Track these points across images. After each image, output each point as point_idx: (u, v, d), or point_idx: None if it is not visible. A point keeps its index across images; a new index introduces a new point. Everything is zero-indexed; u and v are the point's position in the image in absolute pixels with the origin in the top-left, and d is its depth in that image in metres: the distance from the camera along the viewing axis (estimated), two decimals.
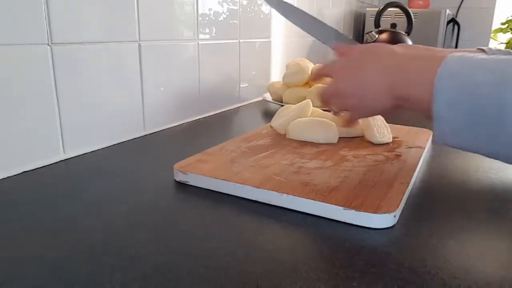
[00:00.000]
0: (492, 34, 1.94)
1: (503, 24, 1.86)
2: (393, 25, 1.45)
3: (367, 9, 1.70)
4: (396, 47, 0.45)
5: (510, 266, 0.32)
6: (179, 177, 0.48)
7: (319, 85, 0.85)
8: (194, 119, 0.81)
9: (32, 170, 0.51)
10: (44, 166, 0.52)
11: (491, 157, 0.37)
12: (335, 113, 0.59)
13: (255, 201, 0.43)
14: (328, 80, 0.64)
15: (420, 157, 0.54)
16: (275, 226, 0.38)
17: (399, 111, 0.44)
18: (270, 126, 0.67)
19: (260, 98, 1.04)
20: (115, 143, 0.63)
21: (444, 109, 0.36)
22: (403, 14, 1.41)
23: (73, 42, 0.54)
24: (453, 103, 0.35)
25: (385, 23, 1.45)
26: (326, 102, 0.51)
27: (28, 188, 0.46)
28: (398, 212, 0.39)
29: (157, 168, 0.53)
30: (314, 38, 0.57)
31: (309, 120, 0.62)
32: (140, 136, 0.68)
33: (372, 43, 0.50)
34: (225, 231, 0.37)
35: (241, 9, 0.91)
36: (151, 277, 0.30)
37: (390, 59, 0.44)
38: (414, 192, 0.46)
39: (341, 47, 0.53)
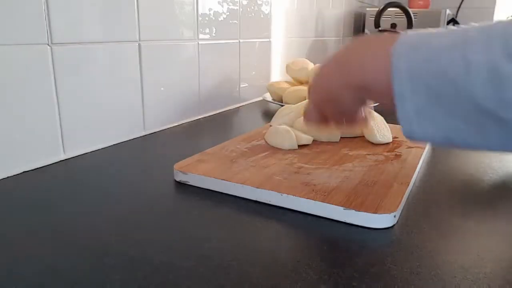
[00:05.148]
0: None
1: None
2: (393, 25, 1.45)
3: (367, 9, 1.70)
4: (349, 43, 0.41)
5: (510, 266, 0.32)
6: (179, 177, 0.48)
7: None
8: (194, 119, 0.81)
9: (32, 170, 0.51)
10: (44, 166, 0.52)
11: (471, 147, 0.31)
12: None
13: (255, 201, 0.43)
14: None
15: (420, 157, 0.54)
16: (275, 226, 0.38)
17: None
18: (270, 126, 0.67)
19: (260, 98, 1.04)
20: (115, 143, 0.63)
21: (403, 84, 0.31)
22: (403, 14, 1.41)
23: (73, 42, 0.54)
24: (413, 74, 0.31)
25: (385, 23, 1.44)
26: (317, 122, 0.46)
27: (28, 188, 0.46)
28: (398, 212, 0.39)
29: (157, 168, 0.53)
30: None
31: None
32: (140, 136, 0.68)
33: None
34: (225, 231, 0.37)
35: (241, 9, 0.91)
36: (151, 277, 0.30)
37: (342, 53, 0.40)
38: (414, 192, 0.46)
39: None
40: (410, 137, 0.33)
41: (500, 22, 0.29)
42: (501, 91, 0.27)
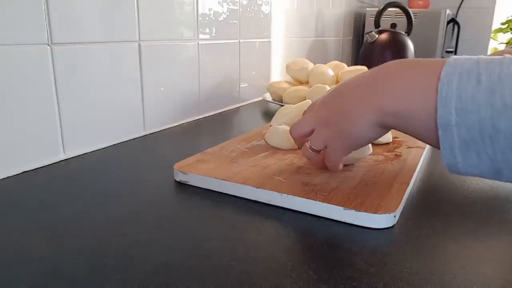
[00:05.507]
0: (492, 34, 1.95)
1: (503, 24, 1.86)
2: (393, 25, 1.45)
3: (367, 9, 1.70)
4: (381, 66, 0.37)
5: (511, 266, 0.32)
6: (179, 177, 0.48)
7: (319, 85, 0.85)
8: (194, 119, 0.81)
9: (32, 170, 0.51)
10: (44, 166, 0.52)
11: None
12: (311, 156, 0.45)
13: (255, 201, 0.43)
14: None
15: (420, 157, 0.54)
16: (275, 226, 0.38)
17: None
18: (270, 126, 0.66)
19: (260, 98, 1.04)
20: (115, 143, 0.63)
21: (451, 113, 0.28)
22: (403, 14, 1.41)
23: (73, 42, 0.54)
24: (463, 104, 0.26)
25: (385, 23, 1.44)
26: (300, 136, 0.44)
27: (28, 188, 0.46)
28: (398, 212, 0.39)
29: (157, 168, 0.53)
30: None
31: None
32: (140, 136, 0.68)
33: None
34: (225, 231, 0.37)
35: (241, 9, 0.91)
36: (151, 277, 0.30)
37: (373, 74, 0.36)
38: (414, 192, 0.46)
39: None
40: (452, 169, 0.30)
41: None
42: None
